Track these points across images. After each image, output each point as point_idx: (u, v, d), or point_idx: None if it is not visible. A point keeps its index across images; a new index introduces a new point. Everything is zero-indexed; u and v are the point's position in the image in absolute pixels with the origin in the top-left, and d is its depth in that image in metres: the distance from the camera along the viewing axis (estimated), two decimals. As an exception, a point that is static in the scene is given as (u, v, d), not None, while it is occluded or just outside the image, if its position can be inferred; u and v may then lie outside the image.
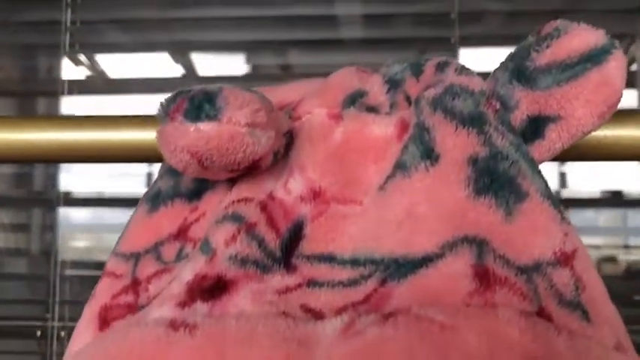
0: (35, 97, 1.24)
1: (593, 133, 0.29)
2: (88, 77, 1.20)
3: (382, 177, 0.27)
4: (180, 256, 0.28)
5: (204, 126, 0.24)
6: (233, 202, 0.27)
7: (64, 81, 1.12)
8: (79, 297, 1.09)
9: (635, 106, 1.07)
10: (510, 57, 0.28)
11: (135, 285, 0.28)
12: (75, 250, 1.18)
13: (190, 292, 0.24)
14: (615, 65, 0.26)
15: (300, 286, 0.25)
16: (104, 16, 1.12)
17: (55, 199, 1.13)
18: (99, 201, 1.19)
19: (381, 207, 0.26)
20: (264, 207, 0.27)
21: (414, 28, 1.09)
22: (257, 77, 1.21)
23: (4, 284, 1.18)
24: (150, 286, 0.28)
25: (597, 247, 1.13)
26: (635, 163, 0.34)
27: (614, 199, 1.13)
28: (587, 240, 1.12)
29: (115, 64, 1.21)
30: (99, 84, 1.22)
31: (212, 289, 0.24)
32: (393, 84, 0.30)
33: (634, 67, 1.08)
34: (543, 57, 0.27)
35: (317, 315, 0.23)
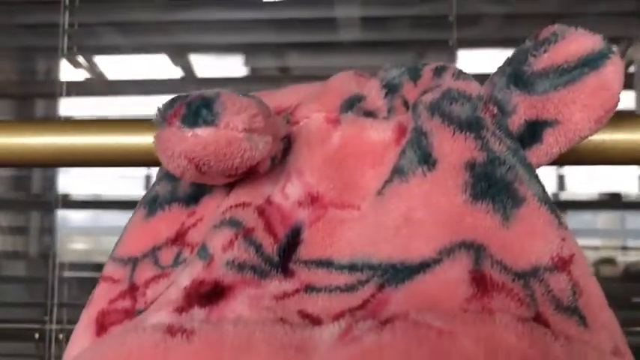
0: (33, 99, 1.24)
1: (591, 138, 0.29)
2: (86, 79, 1.20)
3: (380, 182, 0.27)
4: (177, 261, 0.28)
5: (202, 131, 0.24)
6: (231, 207, 0.27)
7: (62, 83, 1.12)
8: (77, 300, 1.09)
9: (634, 108, 1.08)
10: (508, 62, 0.28)
11: (132, 290, 0.28)
12: (73, 253, 1.18)
13: (188, 298, 0.24)
14: (612, 70, 0.26)
15: (297, 291, 0.25)
16: (102, 19, 1.12)
17: (53, 202, 1.13)
18: (97, 203, 1.19)
19: (378, 212, 0.26)
20: (261, 212, 0.27)
21: (412, 30, 1.09)
22: (256, 79, 1.21)
23: (2, 287, 1.18)
24: (147, 291, 0.28)
25: (595, 249, 1.13)
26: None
27: (613, 202, 1.13)
28: (585, 242, 1.12)
29: (114, 66, 1.21)
30: (97, 86, 1.22)
31: (209, 294, 0.24)
32: (391, 88, 0.30)
33: (632, 69, 1.08)
34: (541, 61, 0.27)
35: (314, 321, 0.23)
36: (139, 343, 0.23)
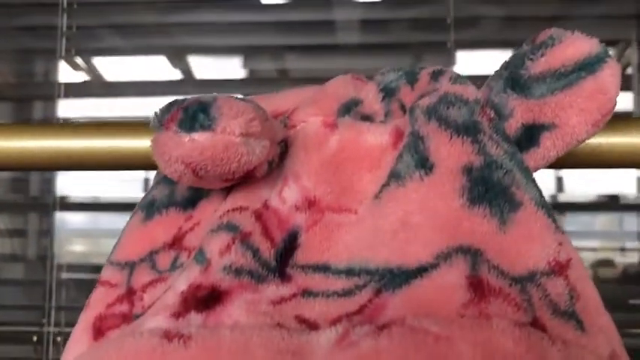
0: (32, 101, 1.24)
1: (588, 141, 0.29)
2: (84, 81, 1.20)
3: (377, 186, 0.27)
4: (175, 265, 0.28)
5: (199, 136, 0.24)
6: (228, 211, 0.27)
7: (61, 84, 1.12)
8: (75, 302, 1.09)
9: (631, 109, 1.08)
10: (505, 65, 0.28)
11: (130, 294, 0.28)
12: (71, 255, 1.18)
13: (185, 303, 0.24)
14: (609, 73, 0.26)
15: (294, 296, 0.25)
16: (100, 21, 1.12)
17: (51, 204, 1.13)
18: (95, 206, 1.19)
19: (376, 216, 0.26)
20: (258, 216, 0.26)
21: (411, 33, 1.09)
22: (254, 81, 1.21)
23: (0, 289, 1.17)
24: (145, 296, 0.28)
25: (594, 250, 1.13)
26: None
27: (611, 204, 1.13)
28: (583, 243, 1.12)
29: (112, 68, 1.21)
30: (95, 87, 1.21)
31: (206, 299, 0.24)
32: (388, 92, 0.30)
33: (629, 71, 1.08)
34: (538, 65, 0.27)
35: (311, 325, 0.23)
36: (136, 348, 0.23)
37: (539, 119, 0.27)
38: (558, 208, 1.10)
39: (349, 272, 0.25)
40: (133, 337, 0.23)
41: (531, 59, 0.27)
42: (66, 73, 1.14)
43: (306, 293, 0.25)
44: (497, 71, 0.29)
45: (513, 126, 0.27)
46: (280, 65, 1.19)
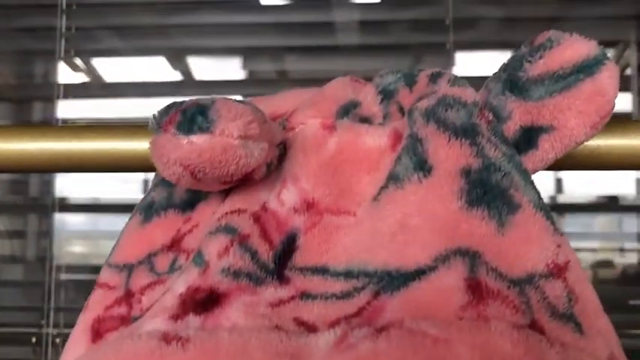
0: (31, 102, 1.24)
1: (586, 143, 0.29)
2: (83, 82, 1.20)
3: (376, 188, 0.27)
4: (173, 268, 0.28)
5: (197, 138, 0.24)
6: (226, 213, 0.27)
7: (60, 85, 1.12)
8: (74, 303, 1.09)
9: (630, 110, 1.08)
10: (503, 68, 0.28)
11: (128, 296, 0.28)
12: (71, 256, 1.18)
13: (183, 305, 0.24)
14: (608, 76, 0.26)
15: (293, 298, 0.25)
16: (99, 22, 1.12)
17: (50, 205, 1.13)
18: (95, 207, 1.19)
19: (374, 218, 0.26)
20: (257, 218, 0.26)
21: (410, 34, 1.09)
22: (254, 83, 1.21)
23: (-1, 290, 1.18)
24: (143, 298, 0.28)
25: (593, 251, 1.13)
26: (629, 170, 0.34)
27: (610, 205, 1.13)
28: (583, 244, 1.12)
29: (111, 69, 1.21)
30: (95, 89, 1.22)
31: (205, 301, 0.24)
32: (387, 94, 0.30)
33: (628, 72, 1.09)
34: (536, 68, 0.27)
35: (310, 328, 0.23)
36: (135, 351, 0.23)
37: (538, 121, 0.27)
38: (557, 209, 1.10)
39: (348, 274, 0.25)
40: (131, 339, 0.23)
41: (530, 61, 0.27)
42: (65, 74, 1.14)
43: (305, 296, 0.25)
44: (495, 73, 0.29)
45: (512, 128, 0.27)
46: (280, 66, 1.19)
